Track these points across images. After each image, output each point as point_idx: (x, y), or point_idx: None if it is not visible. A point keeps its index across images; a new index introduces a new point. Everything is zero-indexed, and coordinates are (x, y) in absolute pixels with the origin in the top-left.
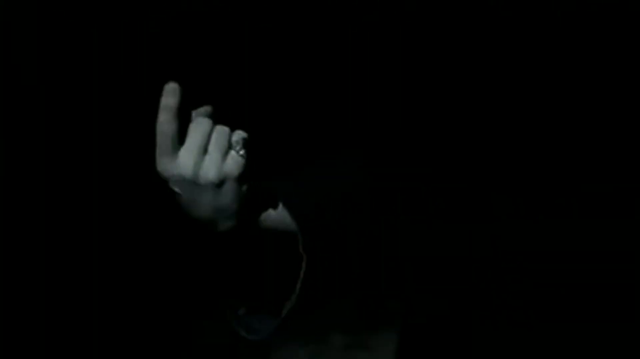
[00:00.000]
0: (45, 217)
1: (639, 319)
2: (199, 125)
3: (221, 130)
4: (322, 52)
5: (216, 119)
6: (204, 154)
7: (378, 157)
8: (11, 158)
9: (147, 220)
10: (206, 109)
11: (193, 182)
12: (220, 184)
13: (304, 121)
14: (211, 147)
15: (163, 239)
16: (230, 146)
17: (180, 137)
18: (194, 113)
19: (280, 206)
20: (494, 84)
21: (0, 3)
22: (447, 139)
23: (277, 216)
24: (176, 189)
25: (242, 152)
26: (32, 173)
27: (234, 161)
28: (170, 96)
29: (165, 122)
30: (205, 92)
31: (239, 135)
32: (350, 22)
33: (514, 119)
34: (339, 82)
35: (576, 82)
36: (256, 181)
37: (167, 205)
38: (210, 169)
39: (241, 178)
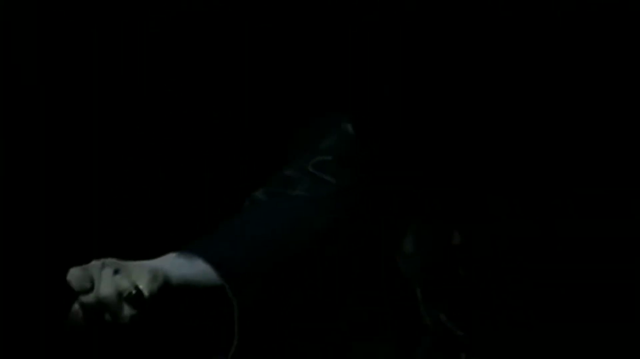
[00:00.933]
0: (46, 217)
1: (639, 319)
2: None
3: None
4: (322, 52)
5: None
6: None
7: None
8: (11, 158)
9: (147, 220)
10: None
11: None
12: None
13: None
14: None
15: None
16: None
17: None
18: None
19: (202, 264)
20: (493, 84)
21: (0, 3)
22: (446, 141)
23: (199, 275)
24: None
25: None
26: (32, 173)
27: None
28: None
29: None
30: (205, 91)
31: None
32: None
33: (513, 119)
34: (339, 83)
35: (574, 83)
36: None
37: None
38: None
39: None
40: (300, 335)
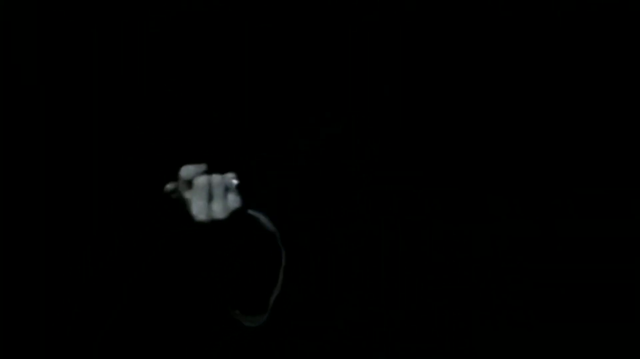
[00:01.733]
0: (45, 217)
1: (639, 319)
2: (199, 184)
3: (216, 180)
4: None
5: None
6: (209, 202)
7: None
8: (11, 158)
9: (147, 220)
10: (201, 166)
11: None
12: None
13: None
14: (215, 196)
15: (163, 239)
16: (227, 188)
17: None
18: (193, 172)
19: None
20: (492, 85)
21: (0, 3)
22: (446, 140)
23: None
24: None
25: (236, 191)
26: (32, 173)
27: (232, 200)
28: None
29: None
30: (205, 91)
31: (230, 179)
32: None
33: (512, 120)
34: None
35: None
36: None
37: (170, 206)
38: (217, 212)
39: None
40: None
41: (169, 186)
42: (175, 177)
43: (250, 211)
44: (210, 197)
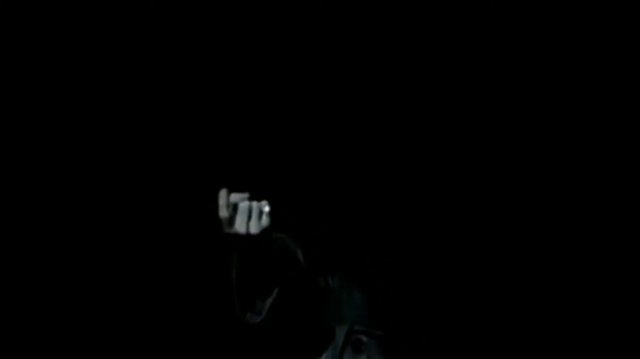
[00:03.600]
0: (45, 217)
1: (639, 319)
2: (243, 207)
3: (256, 206)
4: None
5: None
6: (248, 221)
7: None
8: (11, 159)
9: (146, 220)
10: (245, 195)
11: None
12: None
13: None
14: (253, 217)
15: (163, 240)
16: (260, 212)
17: None
18: (238, 198)
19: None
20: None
21: (0, 3)
22: (447, 137)
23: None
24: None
25: (267, 214)
26: (31, 174)
27: (265, 220)
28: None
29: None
30: (205, 91)
31: (264, 206)
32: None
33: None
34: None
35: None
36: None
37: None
38: (253, 228)
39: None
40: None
41: (226, 210)
42: (174, 175)
43: (275, 232)
44: (249, 218)
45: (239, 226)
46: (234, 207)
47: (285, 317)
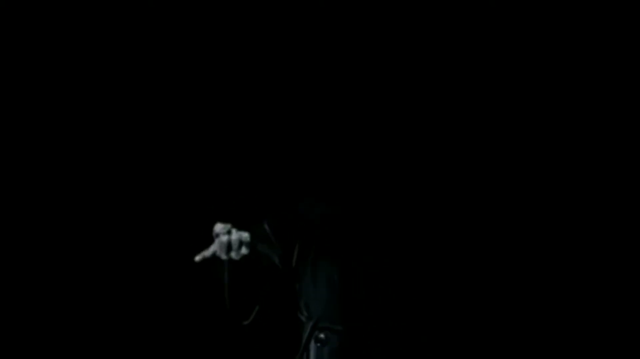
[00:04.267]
0: (45, 217)
1: (639, 319)
2: (222, 243)
3: (235, 239)
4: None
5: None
6: (229, 251)
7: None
8: (10, 159)
9: (147, 220)
10: (227, 225)
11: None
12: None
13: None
14: (233, 248)
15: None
16: (240, 242)
17: None
18: (219, 229)
19: None
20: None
21: (0, 3)
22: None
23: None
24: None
25: (247, 242)
26: (30, 175)
27: (244, 250)
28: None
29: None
30: (205, 91)
31: (245, 237)
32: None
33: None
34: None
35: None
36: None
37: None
38: (234, 256)
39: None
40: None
41: (197, 258)
42: (174, 176)
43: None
44: (229, 249)
45: (221, 253)
46: (216, 237)
47: (268, 318)
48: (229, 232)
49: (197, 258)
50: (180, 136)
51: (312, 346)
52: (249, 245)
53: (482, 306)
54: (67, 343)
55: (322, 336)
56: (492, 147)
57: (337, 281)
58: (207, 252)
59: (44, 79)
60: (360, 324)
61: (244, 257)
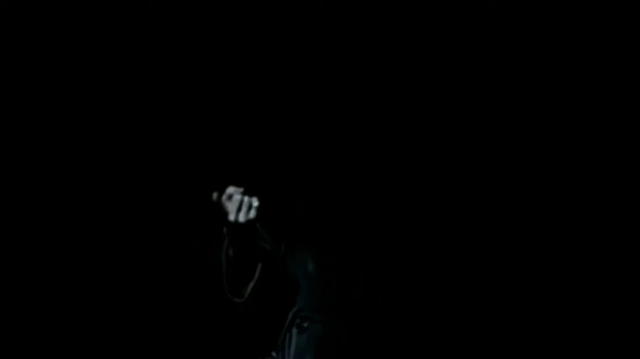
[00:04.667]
0: (45, 217)
1: (639, 319)
2: (236, 199)
3: (247, 200)
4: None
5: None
6: (238, 211)
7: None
8: (9, 159)
9: (147, 220)
10: (240, 189)
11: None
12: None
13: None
14: (242, 208)
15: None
16: (250, 204)
17: None
18: (233, 190)
19: None
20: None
21: (0, 3)
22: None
23: None
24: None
25: (256, 206)
26: (31, 175)
27: (252, 213)
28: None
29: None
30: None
31: (254, 200)
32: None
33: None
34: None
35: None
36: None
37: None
38: (242, 217)
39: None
40: None
41: (215, 195)
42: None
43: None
44: (239, 208)
45: (230, 213)
46: (229, 197)
47: (261, 300)
48: (242, 193)
49: (215, 195)
50: (180, 135)
51: (294, 332)
52: (257, 210)
53: (482, 306)
54: (67, 342)
55: (305, 324)
56: (492, 147)
57: (314, 273)
58: (223, 197)
59: (44, 79)
60: (342, 317)
61: (249, 227)
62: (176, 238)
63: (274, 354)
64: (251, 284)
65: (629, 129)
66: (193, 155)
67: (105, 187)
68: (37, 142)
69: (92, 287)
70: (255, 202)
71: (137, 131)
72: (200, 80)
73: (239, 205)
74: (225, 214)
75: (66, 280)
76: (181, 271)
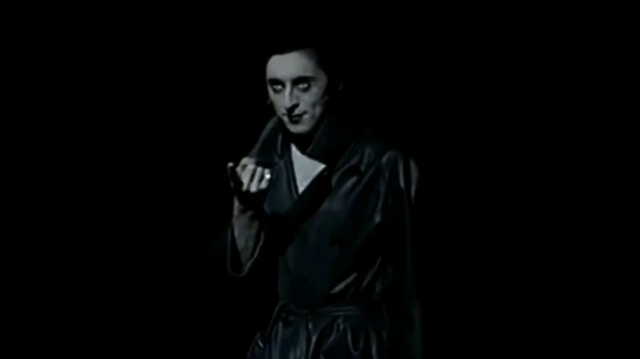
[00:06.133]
0: (45, 217)
1: (639, 319)
2: (249, 168)
3: (260, 171)
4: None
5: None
6: (251, 180)
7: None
8: (9, 159)
9: (147, 220)
10: (253, 159)
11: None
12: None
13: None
14: (255, 178)
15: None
16: (262, 175)
17: None
18: (247, 161)
19: None
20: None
21: (0, 3)
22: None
23: None
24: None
25: (267, 178)
26: (32, 175)
27: (264, 184)
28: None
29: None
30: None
31: (267, 172)
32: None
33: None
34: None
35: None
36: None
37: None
38: (253, 187)
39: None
40: None
41: (231, 164)
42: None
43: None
44: (252, 177)
45: (242, 183)
46: (243, 167)
47: (256, 279)
48: (256, 164)
49: (230, 165)
50: (180, 136)
51: (279, 326)
52: (269, 182)
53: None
54: (67, 342)
55: (291, 318)
56: (491, 147)
57: (292, 268)
58: (238, 167)
59: (44, 79)
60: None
61: (260, 195)
62: (172, 232)
63: (261, 344)
64: (250, 261)
65: (629, 129)
66: (193, 155)
67: (105, 187)
68: (37, 142)
69: (90, 281)
70: (268, 175)
71: (137, 131)
72: (201, 80)
73: (251, 175)
74: (238, 184)
75: (66, 272)
76: (175, 262)
